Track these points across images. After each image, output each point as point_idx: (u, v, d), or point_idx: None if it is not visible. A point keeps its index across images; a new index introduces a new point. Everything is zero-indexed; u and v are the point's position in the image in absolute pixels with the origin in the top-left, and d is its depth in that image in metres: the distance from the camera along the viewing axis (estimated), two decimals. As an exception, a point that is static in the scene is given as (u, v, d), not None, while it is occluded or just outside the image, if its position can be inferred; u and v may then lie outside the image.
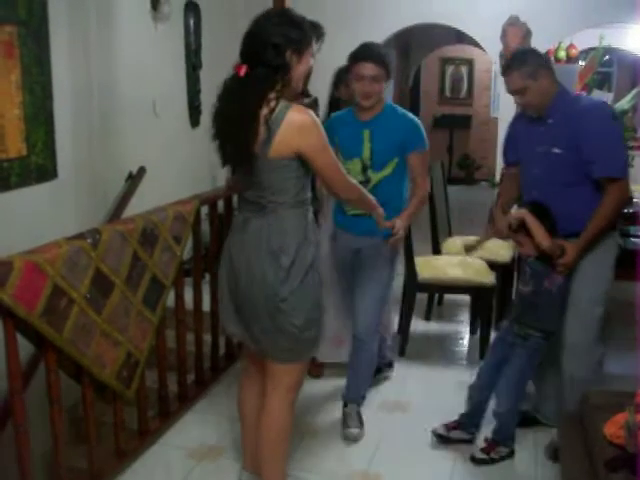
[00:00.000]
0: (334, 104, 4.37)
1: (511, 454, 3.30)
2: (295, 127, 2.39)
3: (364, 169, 3.34)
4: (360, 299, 3.47)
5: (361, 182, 2.98)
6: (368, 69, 3.19)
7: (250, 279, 2.54)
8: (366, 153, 3.33)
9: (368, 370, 3.64)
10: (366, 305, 3.45)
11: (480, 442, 3.36)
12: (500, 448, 3.27)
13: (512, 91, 3.13)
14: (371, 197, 2.81)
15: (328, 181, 2.57)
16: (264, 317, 2.55)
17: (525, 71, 3.03)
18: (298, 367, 2.71)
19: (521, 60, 3.07)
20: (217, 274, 3.88)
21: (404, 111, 3.44)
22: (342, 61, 3.56)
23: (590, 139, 2.99)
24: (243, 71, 2.43)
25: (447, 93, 11.91)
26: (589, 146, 2.99)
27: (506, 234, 3.28)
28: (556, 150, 3.07)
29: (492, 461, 3.26)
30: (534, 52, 3.20)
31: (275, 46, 2.38)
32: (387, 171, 3.34)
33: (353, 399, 3.62)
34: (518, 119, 3.43)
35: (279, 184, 2.48)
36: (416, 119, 3.41)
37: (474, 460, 3.27)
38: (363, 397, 3.70)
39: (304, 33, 2.44)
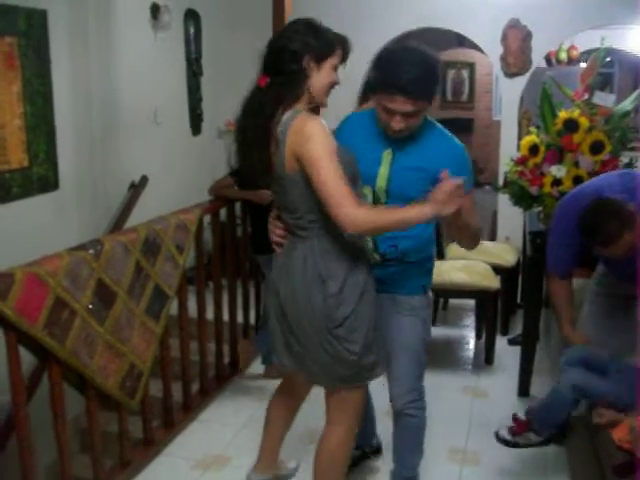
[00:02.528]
0: None
1: (542, 444, 3.06)
2: (297, 131, 2.18)
3: (374, 204, 2.52)
4: (394, 370, 2.73)
5: None
6: (400, 104, 2.32)
7: (297, 308, 2.37)
8: (381, 182, 2.49)
9: (416, 440, 2.90)
10: (400, 375, 2.73)
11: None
12: (530, 434, 3.05)
13: None
14: (403, 212, 2.22)
15: (326, 206, 2.16)
16: (317, 348, 2.37)
17: None
18: (359, 392, 2.52)
19: None
20: (220, 282, 3.92)
21: (446, 132, 2.56)
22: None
23: None
24: (263, 82, 2.28)
25: (449, 97, 11.88)
26: None
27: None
28: None
29: (515, 445, 3.09)
30: None
31: (292, 52, 2.23)
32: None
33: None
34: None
35: (305, 202, 2.28)
36: (461, 144, 2.56)
37: (497, 437, 3.12)
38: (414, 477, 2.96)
39: (325, 41, 2.27)
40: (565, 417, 2.92)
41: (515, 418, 3.12)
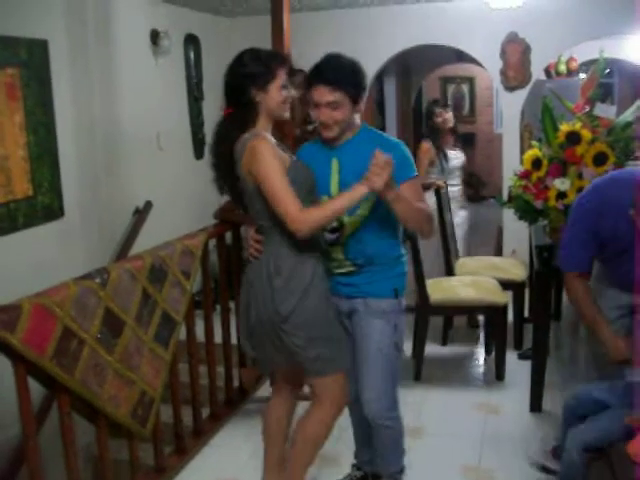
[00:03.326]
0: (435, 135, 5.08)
1: None
2: (249, 152, 2.50)
3: None
4: (364, 374, 2.79)
5: (334, 230, 2.70)
6: (321, 94, 2.57)
7: (253, 303, 2.67)
8: (334, 188, 2.67)
9: (396, 445, 2.97)
10: (370, 380, 2.78)
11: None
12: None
13: None
14: (340, 200, 2.50)
15: (276, 214, 2.49)
16: (273, 338, 2.66)
17: None
18: (327, 381, 2.71)
19: None
20: (228, 306, 3.91)
21: (382, 134, 2.82)
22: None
23: None
24: (226, 113, 2.65)
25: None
26: None
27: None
28: None
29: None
30: None
31: (237, 88, 2.60)
32: (363, 211, 2.65)
33: (387, 475, 3.02)
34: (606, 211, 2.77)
35: (263, 212, 2.59)
36: (398, 141, 2.77)
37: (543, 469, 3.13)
38: (401, 470, 3.03)
39: (264, 69, 2.58)
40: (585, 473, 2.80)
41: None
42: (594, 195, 2.85)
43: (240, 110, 2.60)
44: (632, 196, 2.61)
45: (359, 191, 2.45)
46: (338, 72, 2.57)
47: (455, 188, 5.40)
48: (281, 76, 2.61)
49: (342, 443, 3.46)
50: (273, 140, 2.60)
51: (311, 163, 2.70)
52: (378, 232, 2.71)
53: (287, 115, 2.70)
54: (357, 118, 2.76)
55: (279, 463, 2.96)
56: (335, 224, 2.68)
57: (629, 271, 2.76)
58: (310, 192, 2.63)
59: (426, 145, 5.32)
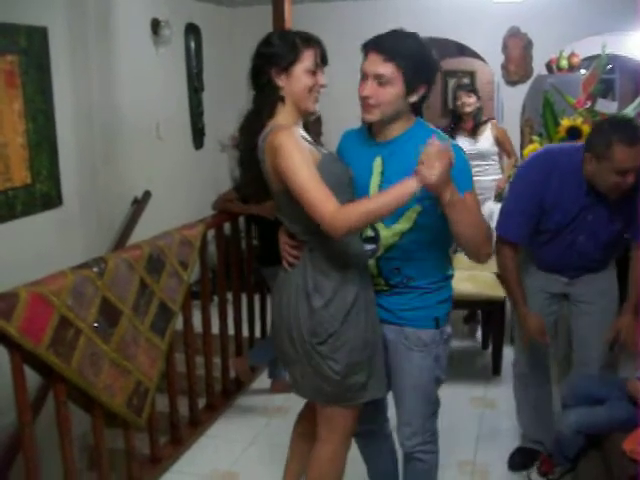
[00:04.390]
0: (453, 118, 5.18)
1: (572, 470, 2.97)
2: (270, 147, 2.15)
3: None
4: (400, 410, 2.54)
5: (368, 239, 2.32)
6: (370, 62, 2.16)
7: (285, 319, 2.33)
8: (373, 192, 2.27)
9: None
10: (407, 414, 2.51)
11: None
12: (559, 468, 3.05)
13: (634, 168, 2.60)
14: (385, 197, 2.08)
15: (309, 214, 2.10)
16: (302, 361, 2.32)
17: None
18: (348, 412, 2.41)
19: None
20: (225, 296, 3.91)
21: (441, 132, 2.29)
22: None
23: None
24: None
25: (450, 105, 11.87)
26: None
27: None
28: (617, 225, 2.83)
29: None
30: None
31: (256, 68, 2.25)
32: (403, 225, 2.24)
33: None
34: (557, 187, 2.82)
35: (292, 212, 2.24)
36: (458, 146, 2.27)
37: None
38: None
39: (287, 49, 2.21)
40: (580, 449, 2.83)
41: (542, 460, 3.18)
42: (541, 164, 2.90)
43: (259, 95, 2.26)
44: (579, 160, 2.73)
45: (408, 186, 2.01)
46: (398, 42, 2.17)
47: None
48: (309, 58, 2.22)
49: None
50: (300, 131, 2.23)
51: (351, 157, 2.34)
52: (422, 248, 2.28)
53: (313, 108, 2.28)
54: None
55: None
56: (370, 232, 2.30)
57: (560, 254, 2.91)
58: (344, 192, 2.20)
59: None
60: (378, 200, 2.10)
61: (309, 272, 2.27)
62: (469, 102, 5.21)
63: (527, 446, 3.38)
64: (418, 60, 2.16)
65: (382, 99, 2.15)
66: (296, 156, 2.08)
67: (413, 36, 2.21)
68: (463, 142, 5.26)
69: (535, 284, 3.07)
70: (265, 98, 2.24)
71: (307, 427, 2.62)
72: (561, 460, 2.96)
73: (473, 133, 5.26)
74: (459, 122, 5.29)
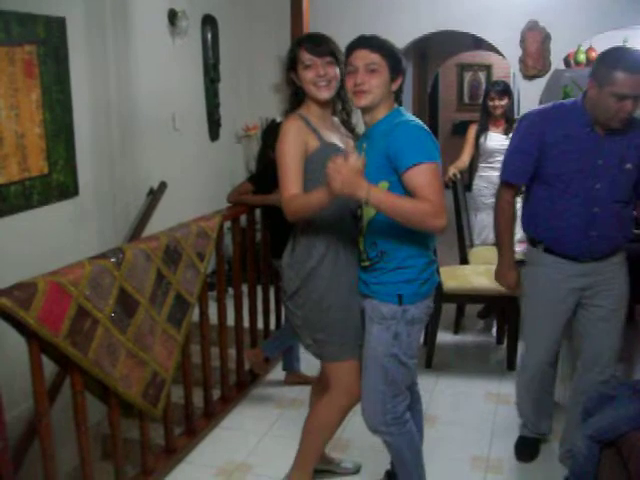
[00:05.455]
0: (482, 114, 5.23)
1: None
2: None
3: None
4: (363, 382, 2.68)
5: (357, 217, 2.63)
6: (360, 56, 2.45)
7: None
8: None
9: (401, 463, 2.79)
10: (366, 387, 2.66)
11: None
12: None
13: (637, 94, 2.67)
14: (311, 196, 2.43)
15: None
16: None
17: None
18: (338, 368, 2.71)
19: None
20: (240, 288, 3.91)
21: (407, 117, 2.50)
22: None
23: None
24: None
25: (465, 99, 11.84)
26: None
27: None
28: (628, 166, 2.83)
29: None
30: None
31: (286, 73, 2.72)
32: None
33: None
34: (557, 121, 2.91)
35: None
36: (412, 124, 2.45)
37: None
38: None
39: (290, 53, 2.68)
40: (595, 467, 2.74)
41: None
42: (540, 109, 3.04)
43: (289, 94, 2.72)
44: (580, 103, 2.85)
45: (320, 195, 2.35)
46: (379, 39, 2.49)
47: (497, 173, 5.36)
48: (303, 55, 2.60)
49: (350, 429, 3.46)
50: (313, 121, 2.62)
51: (358, 147, 2.61)
52: (390, 224, 2.40)
53: (323, 96, 2.61)
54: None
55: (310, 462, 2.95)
56: (359, 211, 2.58)
57: (580, 214, 2.88)
58: None
59: (473, 126, 5.44)
60: (309, 197, 2.45)
61: (296, 233, 2.70)
62: (501, 105, 5.19)
63: (529, 436, 3.41)
64: (395, 54, 2.50)
65: (373, 84, 2.43)
66: (286, 145, 2.53)
67: (386, 39, 2.53)
68: (496, 138, 5.25)
69: (551, 276, 3.03)
70: (291, 96, 2.71)
71: (319, 386, 2.96)
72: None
73: (505, 131, 5.24)
74: (490, 118, 5.27)
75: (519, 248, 3.69)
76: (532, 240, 3.10)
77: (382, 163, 2.40)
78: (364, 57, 2.44)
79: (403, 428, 2.66)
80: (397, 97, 2.56)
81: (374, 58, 2.43)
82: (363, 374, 2.64)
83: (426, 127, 2.47)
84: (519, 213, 3.18)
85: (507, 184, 3.06)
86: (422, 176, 2.33)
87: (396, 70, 2.48)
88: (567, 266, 2.98)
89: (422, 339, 4.47)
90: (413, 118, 2.50)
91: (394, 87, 2.50)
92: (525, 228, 3.15)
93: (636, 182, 2.89)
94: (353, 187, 2.23)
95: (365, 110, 2.50)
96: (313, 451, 2.88)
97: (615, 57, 2.69)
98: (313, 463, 2.92)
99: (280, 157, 2.54)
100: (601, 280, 2.98)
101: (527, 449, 3.39)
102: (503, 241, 3.15)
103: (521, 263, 3.20)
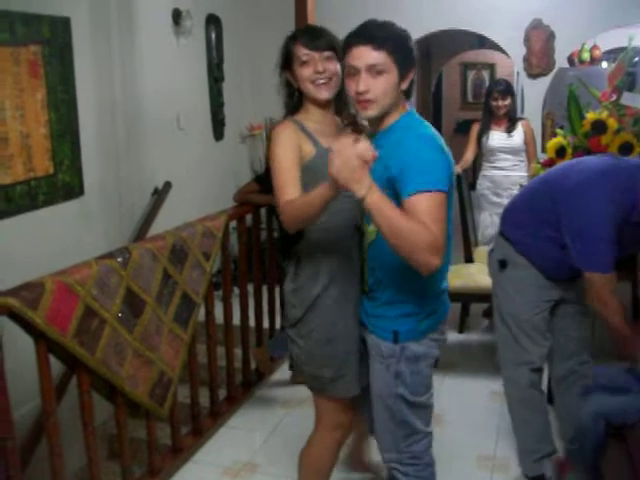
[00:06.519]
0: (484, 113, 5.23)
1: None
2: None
3: (362, 215, 2.23)
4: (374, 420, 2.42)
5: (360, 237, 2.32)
6: (360, 55, 2.03)
7: None
8: None
9: None
10: (377, 425, 2.40)
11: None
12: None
13: None
14: (312, 195, 2.04)
15: None
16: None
17: None
18: (326, 403, 2.50)
19: None
20: (246, 287, 3.91)
21: (419, 124, 2.14)
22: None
23: None
24: None
25: (469, 98, 11.83)
26: None
27: None
28: None
29: None
30: None
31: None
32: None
33: None
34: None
35: None
36: (424, 139, 2.06)
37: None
38: None
39: (283, 49, 2.38)
40: (600, 440, 2.70)
41: (556, 461, 3.08)
42: (615, 179, 2.62)
43: (285, 96, 2.43)
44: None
45: (320, 190, 1.98)
46: (384, 29, 2.05)
47: (499, 172, 5.36)
48: (297, 50, 2.31)
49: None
50: (309, 126, 2.33)
51: None
52: (390, 251, 1.95)
53: (323, 96, 2.32)
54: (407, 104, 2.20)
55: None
56: (364, 230, 2.26)
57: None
58: None
59: (476, 125, 5.44)
60: (306, 197, 2.08)
61: (300, 257, 2.41)
62: (504, 105, 5.18)
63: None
64: (405, 43, 2.08)
65: (379, 91, 2.04)
66: (278, 151, 2.23)
67: (391, 22, 2.11)
68: (497, 137, 5.25)
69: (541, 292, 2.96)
70: (287, 97, 2.43)
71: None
72: (579, 458, 2.91)
73: (508, 130, 5.24)
74: (492, 118, 5.27)
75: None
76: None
77: (384, 180, 2.01)
78: (366, 56, 2.01)
79: (422, 471, 2.36)
80: (407, 93, 2.15)
81: (378, 58, 2.00)
82: (373, 412, 2.37)
83: (437, 137, 2.08)
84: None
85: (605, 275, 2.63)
86: (424, 204, 1.91)
87: (407, 66, 2.07)
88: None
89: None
90: (426, 126, 2.13)
91: (404, 85, 2.10)
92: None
93: None
94: (351, 177, 1.82)
95: (372, 121, 2.15)
96: None
97: None
98: None
99: (274, 163, 2.23)
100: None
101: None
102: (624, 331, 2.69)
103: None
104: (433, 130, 2.12)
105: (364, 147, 1.83)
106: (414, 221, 1.87)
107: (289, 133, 2.27)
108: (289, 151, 2.23)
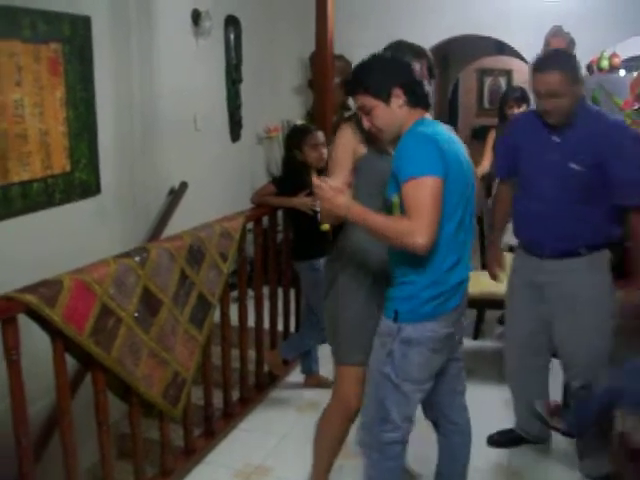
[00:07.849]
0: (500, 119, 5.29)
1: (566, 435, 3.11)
2: None
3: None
4: None
5: None
6: (355, 100, 2.39)
7: None
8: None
9: None
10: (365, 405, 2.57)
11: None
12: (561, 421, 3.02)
13: (547, 92, 2.78)
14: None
15: None
16: None
17: (569, 74, 2.77)
18: (341, 372, 2.70)
19: (566, 62, 2.83)
20: (261, 290, 3.90)
21: (418, 125, 2.34)
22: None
23: (624, 161, 2.80)
24: None
25: (486, 104, 11.79)
26: (621, 168, 2.80)
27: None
28: (573, 166, 2.83)
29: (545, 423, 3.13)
30: (574, 57, 2.98)
31: None
32: (394, 212, 2.36)
33: None
34: (521, 126, 3.13)
35: None
36: (413, 133, 2.30)
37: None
38: None
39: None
40: (591, 420, 2.81)
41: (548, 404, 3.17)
42: (514, 121, 3.35)
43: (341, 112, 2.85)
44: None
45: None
46: (355, 76, 2.37)
47: None
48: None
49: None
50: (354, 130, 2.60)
51: None
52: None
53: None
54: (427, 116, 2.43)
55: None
56: None
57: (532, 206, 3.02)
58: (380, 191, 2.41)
59: (493, 132, 5.42)
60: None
61: (347, 233, 2.69)
62: (519, 112, 5.16)
63: (517, 432, 3.48)
64: (372, 76, 2.32)
65: (377, 124, 2.34)
66: (337, 151, 2.61)
67: (370, 58, 2.38)
68: None
69: (519, 272, 3.19)
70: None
71: None
72: (571, 420, 2.95)
73: None
74: (503, 123, 5.24)
75: None
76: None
77: (392, 177, 2.27)
78: (356, 100, 2.37)
79: (384, 463, 2.48)
80: (419, 101, 2.35)
81: (361, 100, 2.33)
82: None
83: (431, 133, 2.27)
84: None
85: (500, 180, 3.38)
86: (410, 191, 2.17)
87: (384, 90, 2.29)
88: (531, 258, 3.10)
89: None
90: (426, 125, 2.32)
91: (396, 104, 2.30)
92: None
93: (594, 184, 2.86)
94: (331, 205, 2.27)
95: (393, 140, 2.37)
96: (323, 462, 2.84)
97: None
98: (324, 474, 2.86)
99: (333, 150, 2.65)
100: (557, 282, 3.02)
101: (502, 439, 3.50)
102: (496, 221, 3.46)
103: None
104: (433, 130, 2.31)
105: (330, 184, 2.28)
106: (390, 217, 2.27)
107: (351, 131, 2.59)
108: (350, 144, 2.59)
